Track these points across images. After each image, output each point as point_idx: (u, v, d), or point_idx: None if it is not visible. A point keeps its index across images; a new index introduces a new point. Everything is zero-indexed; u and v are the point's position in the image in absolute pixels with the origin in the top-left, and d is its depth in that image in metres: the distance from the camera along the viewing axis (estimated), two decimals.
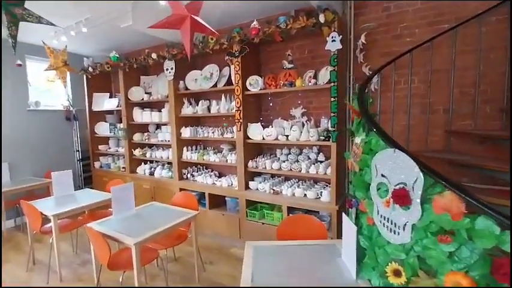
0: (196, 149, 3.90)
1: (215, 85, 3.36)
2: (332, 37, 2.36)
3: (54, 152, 4.61)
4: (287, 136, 2.90)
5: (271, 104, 3.35)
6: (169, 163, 4.20)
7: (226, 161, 3.35)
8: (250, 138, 3.10)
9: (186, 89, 3.64)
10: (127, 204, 2.44)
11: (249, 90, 3.03)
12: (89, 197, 3.08)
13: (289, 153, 3.19)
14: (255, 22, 2.73)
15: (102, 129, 4.79)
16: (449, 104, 2.32)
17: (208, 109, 3.52)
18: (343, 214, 1.47)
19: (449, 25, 2.33)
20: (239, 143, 3.10)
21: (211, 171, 3.91)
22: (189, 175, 3.75)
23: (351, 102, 2.38)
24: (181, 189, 3.71)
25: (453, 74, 2.25)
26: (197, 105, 3.67)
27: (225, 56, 3.06)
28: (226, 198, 3.36)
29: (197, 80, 3.60)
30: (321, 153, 2.97)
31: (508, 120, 2.15)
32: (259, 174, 3.34)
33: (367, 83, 1.88)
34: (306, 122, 3.04)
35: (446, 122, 2.43)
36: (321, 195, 2.70)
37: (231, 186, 3.36)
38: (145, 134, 4.22)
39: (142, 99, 4.14)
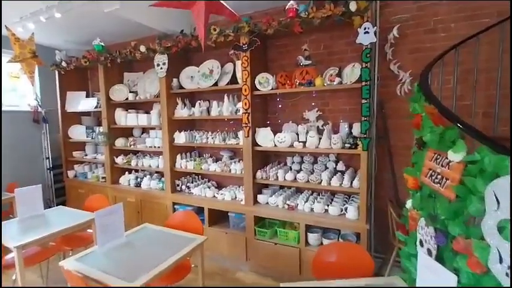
0: (191, 157, 3.42)
1: (215, 84, 2.92)
2: (365, 28, 2.02)
3: (19, 160, 3.92)
4: (303, 143, 2.53)
5: (280, 106, 2.97)
6: (159, 172, 3.69)
7: (229, 170, 2.92)
8: (259, 145, 2.70)
9: (181, 87, 3.16)
10: (115, 232, 1.93)
11: (258, 90, 2.62)
12: (63, 218, 2.52)
13: (302, 162, 2.82)
14: (291, 2, 2.28)
15: (77, 133, 4.16)
16: (494, 107, 2.05)
17: (208, 111, 3.06)
18: (422, 252, 1.11)
19: (490, 20, 2.08)
20: (246, 150, 2.68)
21: (208, 181, 3.45)
22: (183, 187, 3.27)
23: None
24: (174, 203, 3.22)
25: (500, 74, 1.99)
26: (193, 106, 3.20)
27: (231, 49, 2.63)
28: (229, 214, 2.92)
29: (194, 77, 3.14)
30: (340, 162, 2.62)
31: None
32: (266, 185, 2.94)
33: (427, 76, 1.53)
34: (323, 126, 2.69)
35: (486, 127, 2.17)
36: (345, 211, 2.34)
37: (235, 199, 2.93)
38: (130, 139, 3.67)
39: (127, 98, 3.59)
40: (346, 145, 2.30)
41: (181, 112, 3.15)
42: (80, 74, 4.25)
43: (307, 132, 2.60)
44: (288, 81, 2.50)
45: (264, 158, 2.94)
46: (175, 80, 3.14)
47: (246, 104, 2.59)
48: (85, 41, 3.84)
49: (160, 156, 3.46)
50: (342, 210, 2.37)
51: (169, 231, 2.15)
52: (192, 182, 3.34)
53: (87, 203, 2.93)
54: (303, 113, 2.80)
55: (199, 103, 3.10)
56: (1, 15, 2.86)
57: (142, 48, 3.09)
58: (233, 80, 2.84)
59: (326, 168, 2.65)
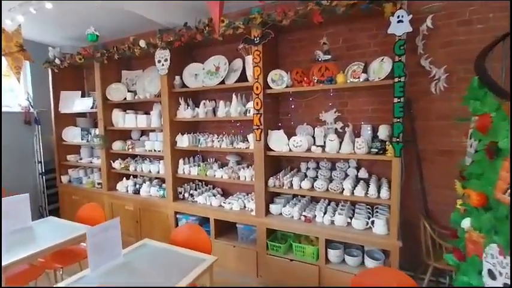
0: (194, 162, 3.15)
1: (222, 82, 2.65)
2: (398, 17, 1.76)
3: (8, 164, 3.63)
4: (322, 147, 2.27)
5: (292, 107, 2.71)
6: (159, 179, 3.42)
7: (238, 177, 2.65)
8: (272, 150, 2.43)
9: (184, 86, 2.90)
10: (111, 252, 1.66)
11: (271, 88, 2.36)
12: (53, 231, 2.24)
13: (318, 168, 2.56)
14: None
15: (72, 135, 3.88)
16: None
17: (214, 112, 2.80)
18: None
19: None
20: (258, 155, 2.42)
21: (213, 188, 3.18)
22: (186, 194, 2.99)
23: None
24: (176, 213, 2.95)
25: None
26: (196, 106, 2.94)
27: (240, 43, 2.37)
28: (237, 225, 2.65)
29: (198, 75, 2.87)
30: (362, 169, 2.36)
31: None
32: (277, 194, 2.67)
33: (484, 68, 1.26)
34: (342, 128, 2.43)
35: None
36: (372, 224, 2.08)
37: (245, 209, 2.66)
38: (129, 142, 3.39)
39: (125, 98, 3.32)
40: (372, 150, 2.04)
41: (184, 113, 2.88)
42: (74, 72, 3.97)
43: (324, 136, 2.34)
44: (304, 79, 2.24)
45: (275, 164, 2.68)
46: (177, 78, 2.88)
47: (257, 103, 2.33)
48: (80, 37, 3.57)
49: (161, 161, 3.19)
50: (367, 224, 2.11)
51: (173, 249, 1.88)
52: (196, 189, 3.07)
53: (81, 212, 2.65)
54: (320, 114, 2.54)
55: (204, 103, 2.83)
56: (1, 14, 2.64)
57: (142, 43, 2.82)
58: (242, 77, 2.58)
59: (346, 175, 2.39)
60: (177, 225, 2.96)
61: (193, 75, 2.90)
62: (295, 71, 2.32)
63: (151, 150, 3.21)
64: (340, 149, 2.18)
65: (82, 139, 3.75)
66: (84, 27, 3.27)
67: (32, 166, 3.92)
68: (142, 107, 3.59)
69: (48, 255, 2.26)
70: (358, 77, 2.08)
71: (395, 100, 1.84)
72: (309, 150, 2.30)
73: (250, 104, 2.51)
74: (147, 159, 3.49)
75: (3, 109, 3.58)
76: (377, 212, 2.23)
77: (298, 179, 2.37)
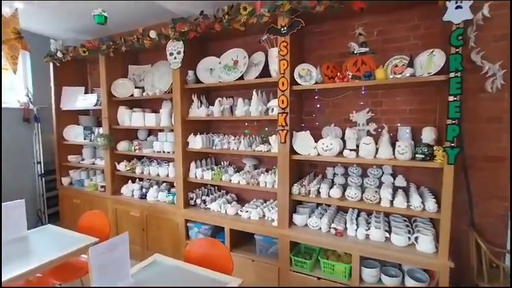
0: (207, 165, 2.90)
1: (241, 77, 2.40)
2: (457, 2, 1.51)
3: (6, 165, 3.38)
4: (355, 151, 2.01)
5: (318, 106, 2.45)
6: (168, 182, 3.16)
7: (257, 183, 2.39)
8: (297, 153, 2.18)
9: (197, 81, 2.65)
10: (117, 273, 1.40)
11: (298, 84, 2.11)
12: (51, 242, 1.99)
13: (347, 174, 2.30)
14: None
15: (74, 134, 3.63)
16: None
17: (231, 110, 2.55)
18: None
19: None
20: (282, 159, 2.16)
21: (226, 194, 2.92)
22: (198, 200, 2.74)
23: None
24: (187, 221, 2.69)
25: None
26: (211, 104, 2.69)
27: (264, 34, 2.12)
28: (255, 236, 2.39)
29: (213, 70, 2.62)
30: (399, 176, 2.11)
31: None
32: (299, 202, 2.40)
33: None
34: (376, 130, 2.18)
35: None
36: (415, 241, 1.82)
37: (264, 218, 2.41)
38: (135, 142, 3.14)
39: (132, 95, 3.07)
40: (417, 156, 1.78)
41: (198, 111, 2.63)
42: (77, 67, 3.73)
43: (357, 138, 2.08)
44: (337, 74, 1.98)
45: (297, 169, 2.42)
46: (191, 72, 2.63)
47: (283, 101, 2.08)
48: (84, 29, 3.34)
49: (171, 164, 2.94)
50: (409, 240, 1.85)
51: (188, 268, 1.62)
52: (208, 195, 2.82)
53: (82, 220, 2.40)
54: (350, 114, 2.29)
55: (220, 101, 2.58)
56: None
57: (153, 34, 2.58)
58: (263, 73, 2.33)
59: (380, 183, 2.13)
60: (187, 234, 2.71)
61: (208, 69, 2.65)
62: (326, 65, 2.07)
63: (160, 152, 2.95)
64: (377, 154, 1.92)
65: (85, 139, 3.51)
66: (88, 18, 3.03)
67: (31, 167, 3.68)
68: (150, 104, 3.35)
69: (46, 270, 2.00)
70: (401, 73, 1.83)
71: (451, 98, 1.58)
72: (340, 154, 2.05)
73: (272, 102, 2.26)
74: (155, 161, 3.24)
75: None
76: (416, 225, 1.97)
77: (326, 187, 2.11)
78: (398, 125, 2.15)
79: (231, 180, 2.54)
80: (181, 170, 2.69)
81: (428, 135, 1.86)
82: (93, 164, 3.49)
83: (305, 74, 2.09)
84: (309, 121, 2.50)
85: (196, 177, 2.70)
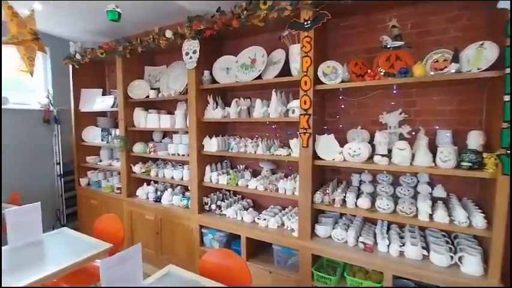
0: (222, 169, 2.77)
1: (259, 77, 2.26)
2: None
3: (26, 165, 3.44)
4: (387, 157, 1.80)
5: (342, 106, 2.26)
6: (182, 186, 3.07)
7: (276, 189, 2.23)
8: (321, 158, 1.99)
9: (213, 81, 2.53)
10: (130, 284, 1.29)
11: (322, 83, 1.93)
12: (67, 247, 1.94)
13: (375, 182, 2.09)
14: None
15: (92, 135, 3.64)
16: None
17: (248, 111, 2.41)
18: None
19: None
20: (304, 164, 1.99)
21: (242, 199, 2.78)
22: (213, 206, 2.61)
23: None
24: (201, 226, 2.58)
25: None
26: (227, 105, 2.56)
27: (286, 28, 1.96)
28: (273, 246, 2.23)
29: (230, 69, 2.50)
30: (438, 186, 1.87)
31: None
32: (321, 211, 2.22)
33: None
34: (410, 134, 1.95)
35: None
36: (460, 261, 1.58)
37: (283, 227, 2.24)
38: (150, 144, 3.08)
39: (148, 96, 3.01)
40: (463, 164, 1.55)
41: (214, 113, 2.51)
42: (96, 69, 3.74)
43: (387, 143, 1.87)
44: (368, 71, 1.79)
45: (319, 175, 2.24)
46: (206, 72, 2.52)
47: (305, 102, 1.91)
48: (102, 31, 3.33)
49: (185, 167, 2.84)
50: (451, 259, 1.61)
51: (205, 283, 1.49)
52: (223, 200, 2.69)
53: (98, 224, 2.35)
54: (379, 115, 2.08)
55: (236, 101, 2.45)
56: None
57: (169, 34, 2.49)
58: (285, 71, 2.17)
59: (416, 193, 1.91)
60: (202, 240, 2.59)
61: (224, 69, 2.53)
62: (354, 62, 1.88)
63: (174, 154, 2.86)
64: (413, 160, 1.71)
65: (102, 140, 3.50)
66: (105, 20, 3.00)
67: (51, 167, 3.72)
68: (165, 106, 3.28)
69: (60, 275, 1.95)
70: (442, 69, 1.61)
71: (507, 98, 1.35)
72: (370, 160, 1.84)
73: (293, 103, 2.09)
74: (169, 163, 3.16)
75: (21, 107, 3.40)
76: (459, 243, 1.73)
77: (353, 196, 1.91)
78: (437, 127, 1.91)
79: (247, 185, 2.40)
80: (196, 174, 2.58)
81: (474, 140, 1.62)
82: (110, 165, 3.47)
83: (330, 72, 1.91)
84: (331, 123, 2.31)
85: (211, 181, 2.58)
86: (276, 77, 2.18)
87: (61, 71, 3.61)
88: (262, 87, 2.42)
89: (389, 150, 1.87)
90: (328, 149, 1.98)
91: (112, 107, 3.31)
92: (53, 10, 2.77)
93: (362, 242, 1.84)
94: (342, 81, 1.88)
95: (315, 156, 1.99)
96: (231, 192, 2.85)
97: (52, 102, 3.64)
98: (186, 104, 2.84)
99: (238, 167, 2.79)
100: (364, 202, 1.87)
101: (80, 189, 3.68)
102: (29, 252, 1.85)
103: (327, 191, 2.00)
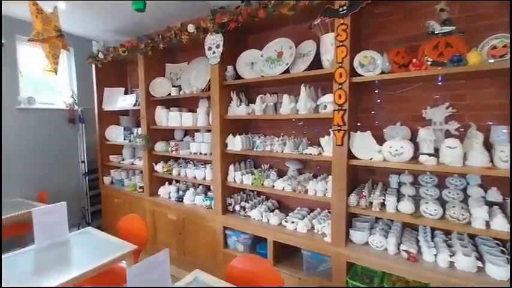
0: (246, 168, 2.67)
1: (287, 71, 2.12)
2: None
3: (53, 164, 3.50)
4: (435, 156, 1.61)
5: (378, 101, 2.07)
6: (204, 185, 3.00)
7: (306, 191, 2.09)
8: (356, 158, 1.83)
9: (237, 77, 2.42)
10: None
11: (359, 75, 1.77)
12: (92, 248, 1.91)
13: (418, 184, 1.90)
14: None
15: (115, 134, 3.65)
16: None
17: (275, 108, 2.28)
18: None
19: None
20: (338, 164, 1.83)
21: (266, 200, 2.67)
22: (237, 207, 2.51)
23: None
24: (225, 228, 2.49)
25: None
26: (251, 102, 2.45)
27: (319, 16, 1.81)
28: (302, 251, 2.09)
29: (255, 63, 2.38)
30: (493, 189, 1.65)
31: None
32: (354, 215, 2.04)
33: None
34: (458, 130, 1.75)
35: None
36: None
37: (313, 231, 2.10)
38: (172, 143, 3.02)
39: (169, 94, 2.96)
40: None
41: (238, 110, 2.40)
42: (118, 68, 3.75)
43: (432, 141, 1.68)
44: (413, 60, 1.60)
45: (353, 176, 2.07)
46: (229, 68, 2.41)
47: (340, 96, 1.75)
48: (124, 29, 3.31)
49: (208, 166, 2.76)
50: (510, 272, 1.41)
51: None
52: (247, 201, 2.58)
53: (122, 223, 2.32)
54: (422, 110, 1.88)
55: (262, 97, 2.32)
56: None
57: (191, 28, 2.40)
58: (316, 63, 2.01)
59: (466, 196, 1.70)
60: (225, 242, 2.51)
61: (249, 64, 2.41)
62: (396, 51, 1.70)
63: (196, 153, 2.79)
64: (467, 160, 1.51)
65: (125, 139, 3.50)
66: (128, 18, 2.98)
67: (76, 166, 3.78)
68: (186, 104, 3.22)
69: (85, 279, 1.93)
70: (503, 55, 1.40)
71: None
72: (414, 160, 1.66)
73: (325, 98, 1.94)
74: (191, 162, 3.09)
75: (48, 106, 3.46)
76: None
77: (394, 199, 1.74)
78: (490, 123, 1.70)
79: (274, 186, 2.27)
80: (219, 174, 2.49)
81: None
82: (133, 164, 3.47)
83: (367, 62, 1.74)
84: (365, 119, 2.13)
85: (235, 181, 2.48)
86: (305, 70, 2.03)
87: (84, 71, 3.65)
88: (288, 82, 2.28)
89: (435, 149, 1.68)
90: (365, 147, 1.81)
91: (134, 105, 3.29)
92: (75, 9, 2.76)
93: (405, 251, 1.66)
94: (382, 73, 1.70)
95: (350, 156, 1.83)
96: (255, 192, 2.73)
97: (76, 101, 3.68)
98: (208, 102, 2.76)
99: (262, 166, 2.67)
100: (406, 206, 1.69)
101: (104, 187, 3.71)
102: (56, 253, 1.82)
103: (363, 193, 1.84)
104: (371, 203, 1.80)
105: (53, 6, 1.90)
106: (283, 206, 2.63)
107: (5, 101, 3.02)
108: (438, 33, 1.57)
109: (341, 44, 1.71)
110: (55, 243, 1.94)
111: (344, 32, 1.69)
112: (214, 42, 2.34)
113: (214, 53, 2.34)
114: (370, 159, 1.77)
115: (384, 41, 2.01)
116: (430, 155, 1.61)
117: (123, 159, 3.66)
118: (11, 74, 3.08)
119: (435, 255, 1.61)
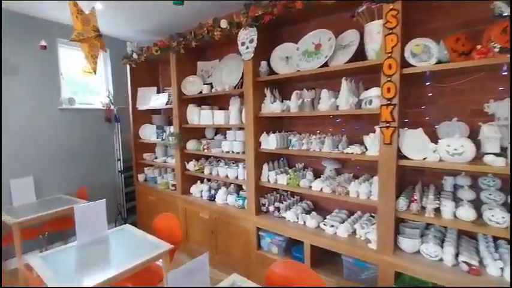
0: (279, 167, 2.57)
1: (325, 64, 1.98)
2: None
3: (91, 162, 3.66)
4: (502, 156, 1.40)
5: (429, 94, 1.87)
6: (236, 185, 2.95)
7: (347, 193, 1.95)
8: (407, 158, 1.66)
9: (271, 73, 2.33)
10: None
11: (410, 65, 1.59)
12: (130, 245, 1.94)
13: (477, 187, 1.68)
14: None
15: (148, 133, 3.74)
16: None
17: (312, 104, 2.15)
18: None
19: None
20: (386, 164, 1.68)
21: (301, 201, 2.56)
22: (271, 207, 2.43)
23: None
24: (259, 229, 2.42)
25: None
26: (285, 99, 2.34)
27: (364, 3, 1.66)
28: (342, 257, 1.96)
29: (290, 58, 2.27)
30: None
31: None
32: (401, 220, 1.87)
33: None
34: None
35: None
36: None
37: (354, 236, 1.96)
38: (203, 142, 3.01)
39: (201, 92, 2.94)
40: None
41: (272, 107, 2.31)
42: (150, 67, 3.83)
43: (498, 139, 1.46)
44: (478, 47, 1.40)
45: (401, 177, 1.89)
46: (263, 63, 2.32)
47: (389, 89, 1.59)
48: (156, 29, 3.36)
49: (240, 165, 2.71)
50: None
51: None
52: (281, 202, 2.49)
53: (157, 222, 2.34)
54: (485, 104, 1.66)
55: (297, 93, 2.21)
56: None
57: (224, 24, 2.35)
58: (359, 54, 1.86)
59: None
60: (259, 243, 2.44)
61: (283, 58, 2.31)
62: (455, 37, 1.50)
63: (228, 152, 2.75)
64: None
65: (157, 137, 3.56)
66: (160, 19, 3.01)
67: (112, 164, 3.92)
68: (217, 101, 3.19)
69: (123, 279, 1.96)
70: None
71: None
72: (477, 160, 1.47)
73: (371, 92, 1.78)
74: (222, 161, 3.06)
75: (86, 106, 3.61)
76: None
77: (451, 205, 1.55)
78: None
79: (310, 186, 2.16)
80: (253, 173, 2.42)
81: None
82: (165, 162, 3.52)
83: (420, 51, 1.56)
84: (414, 115, 1.94)
85: (269, 181, 2.40)
86: (346, 62, 1.88)
87: (119, 71, 3.76)
88: (326, 76, 2.15)
89: (501, 148, 1.47)
90: (416, 146, 1.63)
91: (166, 104, 3.33)
92: (110, 11, 2.83)
93: (465, 262, 1.48)
94: (438, 62, 1.52)
95: (400, 155, 1.67)
96: (288, 192, 2.64)
97: (112, 101, 3.81)
98: (240, 99, 2.70)
99: (296, 165, 2.56)
100: (467, 213, 1.50)
101: (138, 184, 3.81)
102: (96, 250, 1.87)
103: (415, 197, 1.66)
104: (423, 208, 1.62)
105: (91, 7, 1.93)
106: (319, 207, 2.50)
107: (47, 102, 3.19)
108: (506, 16, 1.36)
109: (390, 31, 1.55)
110: (95, 240, 1.99)
111: (394, 18, 1.53)
112: (247, 36, 2.26)
113: (247, 48, 2.27)
114: (424, 159, 1.59)
115: (436, 27, 1.80)
116: (497, 154, 1.40)
117: (155, 157, 3.74)
118: (53, 76, 3.24)
119: (501, 268, 1.41)
